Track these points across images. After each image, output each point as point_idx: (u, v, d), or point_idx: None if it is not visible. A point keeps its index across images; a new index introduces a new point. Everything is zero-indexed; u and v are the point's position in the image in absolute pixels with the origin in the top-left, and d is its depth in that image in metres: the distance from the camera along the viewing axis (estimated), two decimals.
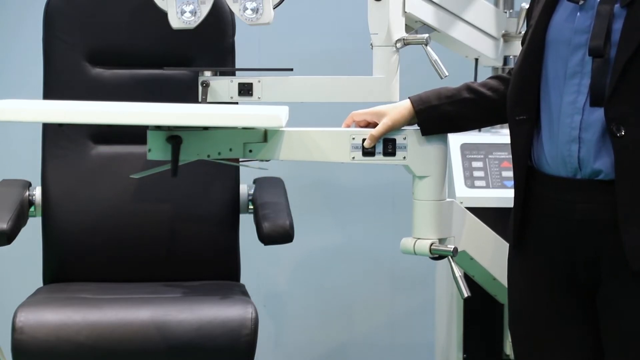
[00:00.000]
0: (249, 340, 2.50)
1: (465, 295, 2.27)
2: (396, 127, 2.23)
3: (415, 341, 3.68)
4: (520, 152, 2.06)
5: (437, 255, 2.28)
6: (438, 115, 2.21)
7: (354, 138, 2.25)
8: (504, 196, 2.63)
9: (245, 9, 2.57)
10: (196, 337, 2.48)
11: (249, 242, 2.98)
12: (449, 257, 2.27)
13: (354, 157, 2.26)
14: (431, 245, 2.27)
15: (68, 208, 2.90)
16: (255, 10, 2.57)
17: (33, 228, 2.91)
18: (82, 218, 2.90)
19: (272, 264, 3.68)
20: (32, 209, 2.92)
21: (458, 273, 2.28)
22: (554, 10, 2.02)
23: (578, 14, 1.98)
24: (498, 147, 2.78)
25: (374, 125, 2.26)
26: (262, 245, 2.81)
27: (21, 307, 2.53)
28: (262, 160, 2.25)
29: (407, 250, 2.30)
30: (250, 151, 2.24)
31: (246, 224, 2.96)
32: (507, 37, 2.95)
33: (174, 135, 2.15)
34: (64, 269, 2.90)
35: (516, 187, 2.08)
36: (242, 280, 2.97)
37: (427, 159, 2.25)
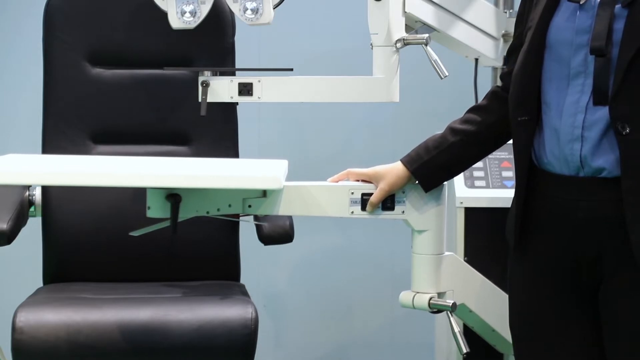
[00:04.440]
0: (249, 341, 2.50)
1: (465, 351, 2.29)
2: (393, 191, 2.25)
3: (415, 341, 3.68)
4: (522, 152, 2.07)
5: (436, 310, 2.28)
6: (433, 168, 2.22)
7: (352, 193, 2.26)
8: (504, 196, 2.63)
9: (245, 9, 2.56)
10: (196, 337, 2.48)
11: (249, 242, 2.98)
12: (448, 312, 2.28)
13: (352, 212, 2.27)
14: (430, 299, 2.28)
15: (68, 208, 2.90)
16: (255, 11, 2.57)
17: (33, 228, 2.90)
18: (82, 218, 2.90)
19: (272, 264, 3.68)
20: (32, 209, 2.92)
21: (457, 329, 2.29)
22: (554, 12, 2.03)
23: (578, 13, 1.98)
24: None
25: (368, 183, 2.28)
26: (262, 245, 2.81)
27: (21, 307, 2.53)
28: (262, 215, 2.24)
29: (406, 304, 2.32)
30: (250, 206, 2.25)
31: (246, 224, 2.96)
32: (507, 37, 2.94)
33: (173, 194, 2.15)
34: (64, 269, 2.90)
35: (517, 187, 2.09)
36: (242, 280, 2.97)
37: (425, 214, 2.26)
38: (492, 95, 2.21)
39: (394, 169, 2.24)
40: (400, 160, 2.25)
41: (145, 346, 2.48)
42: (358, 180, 2.29)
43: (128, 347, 2.47)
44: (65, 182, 2.16)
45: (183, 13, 2.59)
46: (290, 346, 3.75)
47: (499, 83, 2.24)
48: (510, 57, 2.17)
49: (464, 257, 2.68)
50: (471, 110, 2.24)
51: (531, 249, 2.09)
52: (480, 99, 2.93)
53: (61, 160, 2.40)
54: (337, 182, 2.30)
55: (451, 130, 2.22)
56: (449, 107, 3.58)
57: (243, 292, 2.76)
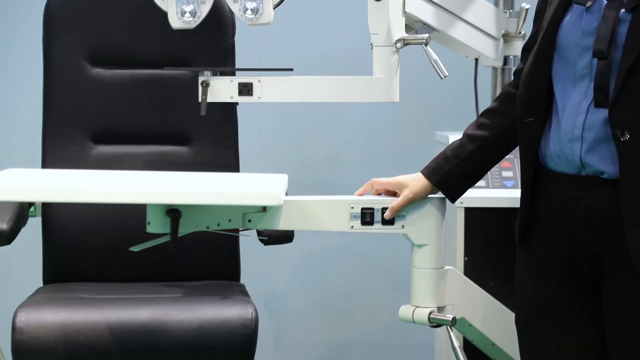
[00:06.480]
0: (249, 341, 2.50)
1: None
2: (417, 200, 2.25)
3: (415, 341, 3.68)
4: (528, 151, 2.08)
5: (436, 324, 2.28)
6: (456, 178, 2.23)
7: (352, 207, 2.26)
8: (504, 196, 2.63)
9: (245, 9, 2.56)
10: (196, 337, 2.48)
11: (249, 242, 2.98)
12: (448, 326, 2.28)
13: (352, 227, 2.27)
14: (430, 314, 2.28)
15: (68, 208, 2.90)
16: (255, 11, 2.56)
17: (33, 228, 2.90)
18: (82, 218, 2.90)
19: (272, 264, 3.68)
20: (32, 209, 2.92)
21: (457, 343, 2.30)
22: (564, 14, 2.04)
23: (585, 15, 1.99)
24: None
25: (392, 194, 2.28)
26: (262, 245, 2.81)
27: (21, 307, 2.53)
28: (261, 230, 2.23)
29: (405, 319, 2.31)
30: (249, 221, 2.25)
31: None
32: (507, 37, 2.95)
33: (173, 209, 2.15)
34: (64, 269, 2.90)
35: (523, 185, 2.10)
36: (242, 280, 2.97)
37: (425, 228, 2.27)
38: (504, 97, 2.21)
39: (418, 179, 2.25)
40: (421, 172, 2.25)
41: (145, 346, 2.48)
42: (381, 193, 2.29)
43: (128, 347, 2.47)
44: (65, 199, 2.17)
45: (183, 13, 2.59)
46: (290, 346, 3.75)
47: (511, 80, 2.24)
48: (524, 53, 2.17)
49: (464, 257, 2.68)
50: (484, 114, 2.24)
51: (535, 245, 2.10)
52: (480, 99, 2.94)
53: (61, 176, 2.40)
54: (362, 194, 2.30)
55: (468, 137, 2.23)
56: (449, 107, 3.59)
57: (243, 292, 2.77)
